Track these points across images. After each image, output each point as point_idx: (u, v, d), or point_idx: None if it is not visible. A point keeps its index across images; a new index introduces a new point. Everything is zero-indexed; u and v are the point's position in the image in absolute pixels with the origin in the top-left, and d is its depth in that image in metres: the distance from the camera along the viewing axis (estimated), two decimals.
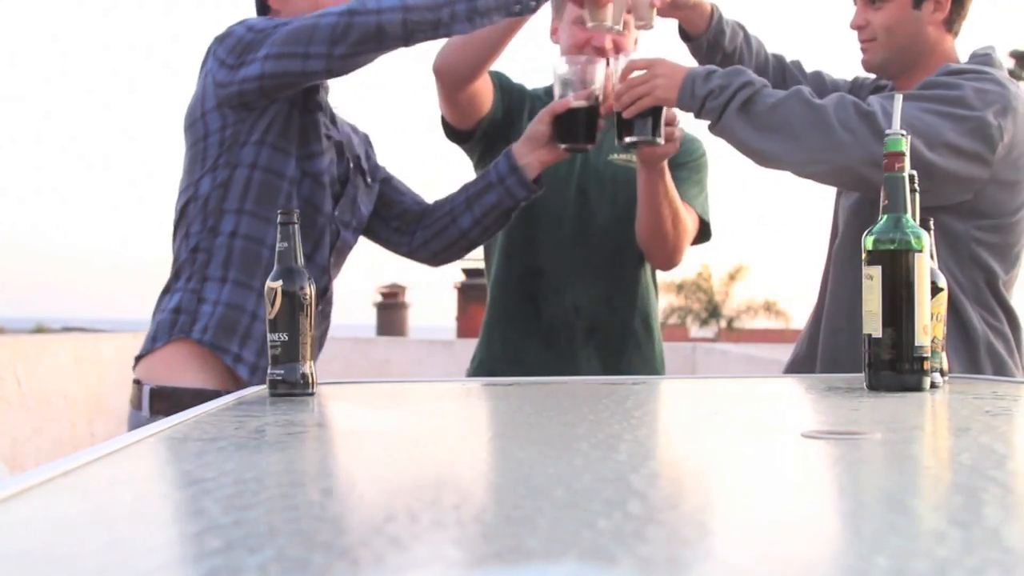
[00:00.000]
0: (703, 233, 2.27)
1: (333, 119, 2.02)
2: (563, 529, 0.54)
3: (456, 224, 2.09)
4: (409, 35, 1.77)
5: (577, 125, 1.97)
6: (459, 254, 2.17)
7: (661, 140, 1.97)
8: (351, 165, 2.00)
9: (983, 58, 1.99)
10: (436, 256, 2.17)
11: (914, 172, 1.47)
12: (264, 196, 1.87)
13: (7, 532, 0.57)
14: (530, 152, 2.02)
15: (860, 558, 0.48)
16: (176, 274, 1.91)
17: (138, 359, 1.89)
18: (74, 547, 0.54)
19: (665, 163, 2.04)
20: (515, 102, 2.28)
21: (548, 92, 2.32)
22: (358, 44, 1.76)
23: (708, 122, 1.90)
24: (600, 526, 0.54)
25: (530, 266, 2.25)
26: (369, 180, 2.08)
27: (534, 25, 2.20)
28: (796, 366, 2.15)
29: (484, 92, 2.17)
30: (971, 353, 1.92)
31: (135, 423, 1.86)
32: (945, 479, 0.74)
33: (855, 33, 2.03)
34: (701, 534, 0.55)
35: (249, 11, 2.03)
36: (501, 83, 2.24)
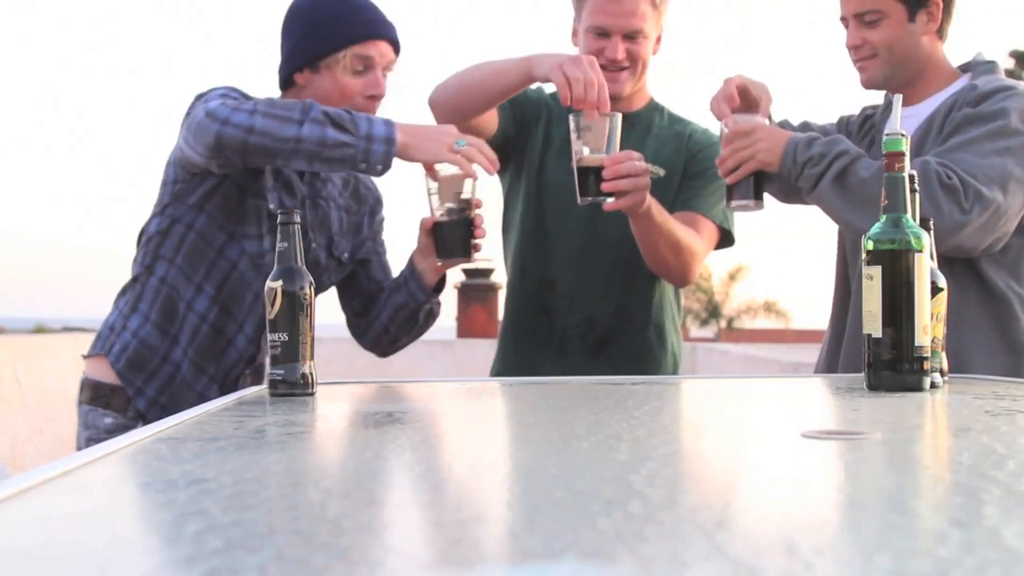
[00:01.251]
0: (725, 238, 2.26)
1: (304, 199, 2.03)
2: (563, 529, 0.54)
3: (380, 319, 2.12)
4: (245, 155, 1.81)
5: (445, 240, 1.97)
6: (389, 347, 2.18)
7: (763, 204, 1.99)
8: (312, 244, 2.02)
9: (990, 66, 2.02)
10: (374, 346, 2.20)
11: (914, 172, 1.47)
12: (192, 257, 1.96)
13: (7, 532, 0.57)
14: (424, 260, 2.04)
15: (860, 558, 0.48)
16: (123, 291, 2.04)
17: (85, 358, 2.05)
18: (74, 547, 0.54)
19: (651, 202, 2.01)
20: (529, 113, 2.26)
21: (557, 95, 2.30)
22: (206, 147, 1.80)
23: (802, 191, 1.92)
24: (600, 526, 0.54)
25: (543, 279, 2.25)
26: (345, 258, 2.10)
27: (560, 26, 2.19)
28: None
29: (486, 118, 2.15)
30: (1017, 366, 1.93)
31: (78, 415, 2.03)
32: (945, 479, 0.74)
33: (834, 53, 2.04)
34: (701, 534, 0.55)
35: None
36: (511, 99, 2.21)
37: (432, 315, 2.12)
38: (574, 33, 2.21)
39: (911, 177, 1.44)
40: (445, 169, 1.90)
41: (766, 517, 0.60)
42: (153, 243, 1.99)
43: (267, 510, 0.62)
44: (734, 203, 1.99)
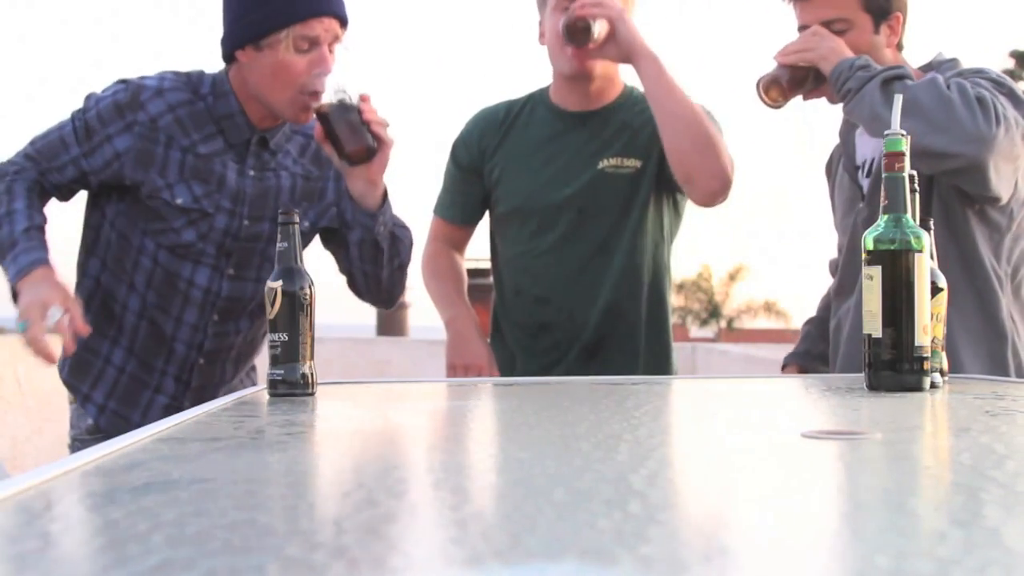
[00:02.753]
0: None
1: (259, 165, 1.99)
2: (563, 529, 0.54)
3: (356, 265, 2.01)
4: None
5: (338, 134, 1.81)
6: (378, 291, 2.04)
7: (785, 103, 1.99)
8: (244, 222, 1.97)
9: (952, 62, 2.08)
10: (372, 297, 2.07)
11: (914, 172, 1.47)
12: (119, 256, 1.95)
13: (7, 532, 0.57)
14: (352, 182, 1.90)
15: (860, 558, 0.48)
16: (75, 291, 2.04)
17: None
18: (74, 547, 0.54)
19: (645, 47, 2.04)
20: (475, 161, 2.33)
21: (531, 98, 2.35)
22: None
23: (845, 95, 1.93)
24: (600, 526, 0.54)
25: (538, 296, 2.27)
26: (304, 227, 2.00)
27: (524, 30, 2.21)
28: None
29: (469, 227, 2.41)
30: (1000, 348, 1.94)
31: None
32: (945, 479, 0.74)
33: None
34: (701, 534, 0.55)
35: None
36: (468, 167, 2.34)
37: (397, 240, 1.99)
38: (541, 35, 2.23)
39: (911, 177, 1.44)
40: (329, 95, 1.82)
41: (766, 517, 0.60)
42: (89, 239, 1.99)
43: (267, 510, 0.62)
44: (769, 75, 1.99)
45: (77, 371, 1.97)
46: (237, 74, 1.93)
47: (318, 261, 2.07)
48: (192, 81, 1.96)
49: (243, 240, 1.97)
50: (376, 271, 2.00)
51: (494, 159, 2.29)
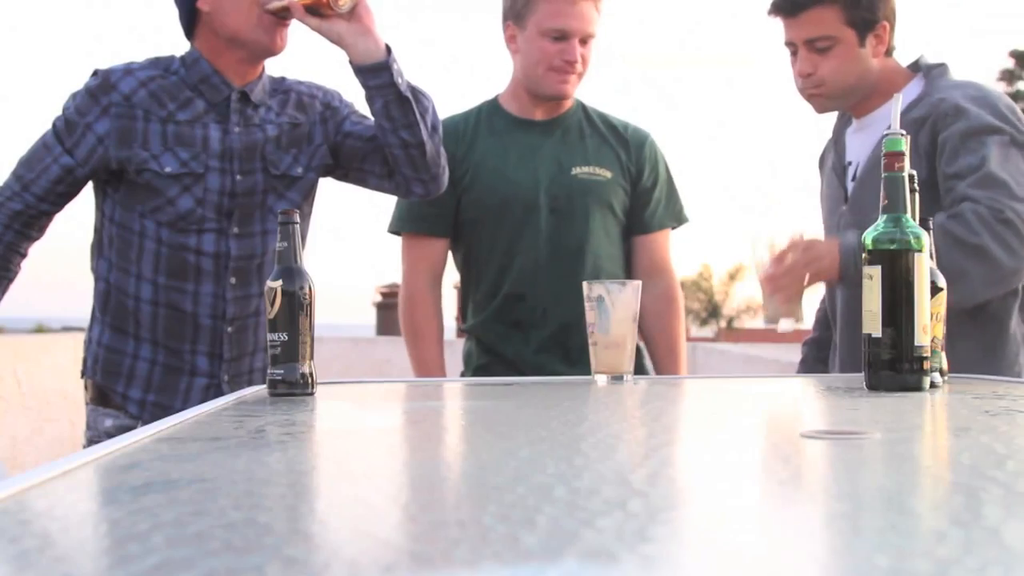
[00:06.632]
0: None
1: (243, 121, 2.00)
2: (563, 529, 0.54)
3: (389, 141, 1.98)
4: None
5: None
6: (423, 161, 2.00)
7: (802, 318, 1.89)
8: (237, 178, 1.98)
9: (942, 69, 2.04)
10: (419, 172, 2.03)
11: (913, 172, 1.47)
12: (122, 250, 1.96)
13: (7, 532, 0.57)
14: (349, 48, 1.90)
15: (860, 558, 0.48)
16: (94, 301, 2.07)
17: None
18: (74, 547, 0.54)
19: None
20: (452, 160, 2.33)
21: (481, 110, 2.40)
22: None
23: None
24: (600, 525, 0.54)
25: (511, 294, 2.31)
26: (298, 172, 2.03)
27: (487, 34, 2.24)
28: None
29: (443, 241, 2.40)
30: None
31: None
32: (945, 479, 0.74)
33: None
34: (701, 534, 0.55)
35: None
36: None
37: (420, 94, 1.99)
38: (510, 39, 2.28)
39: (911, 177, 1.44)
40: None
41: (766, 517, 0.60)
42: (95, 241, 2.02)
43: (266, 510, 0.62)
44: (783, 324, 1.82)
45: (108, 373, 1.97)
46: (203, 38, 1.98)
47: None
48: (161, 61, 2.03)
49: (240, 196, 1.99)
50: (416, 135, 1.97)
51: (464, 164, 2.33)
